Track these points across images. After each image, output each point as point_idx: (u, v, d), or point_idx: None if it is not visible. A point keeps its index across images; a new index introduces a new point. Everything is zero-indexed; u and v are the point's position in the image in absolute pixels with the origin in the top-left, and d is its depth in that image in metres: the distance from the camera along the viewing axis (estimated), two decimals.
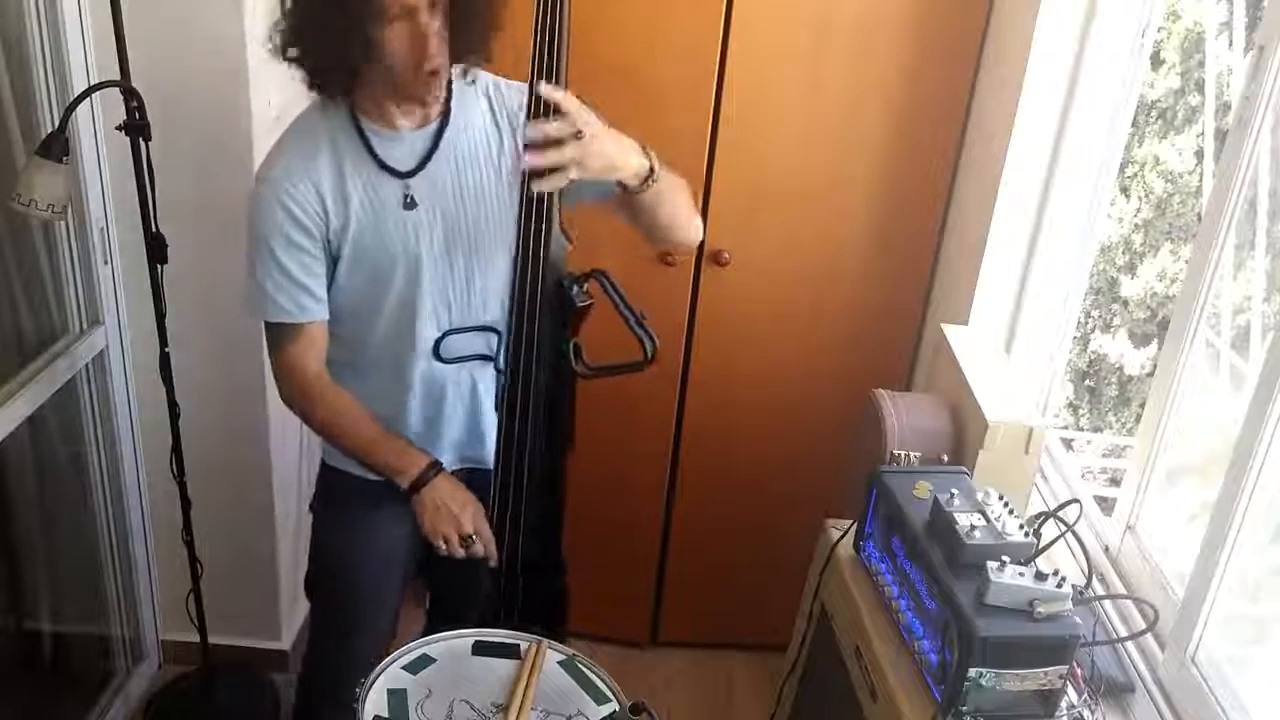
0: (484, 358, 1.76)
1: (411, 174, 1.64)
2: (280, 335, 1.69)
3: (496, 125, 1.68)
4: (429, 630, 1.57)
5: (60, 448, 2.33)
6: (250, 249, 1.65)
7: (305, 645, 2.03)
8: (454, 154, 1.65)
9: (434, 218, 1.65)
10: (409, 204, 1.64)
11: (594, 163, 1.45)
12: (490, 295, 1.72)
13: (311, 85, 1.59)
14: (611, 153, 1.48)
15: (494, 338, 1.75)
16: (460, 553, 1.66)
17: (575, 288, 1.57)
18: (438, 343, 1.70)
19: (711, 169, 2.40)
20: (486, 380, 1.78)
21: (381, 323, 1.70)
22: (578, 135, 1.41)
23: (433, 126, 1.65)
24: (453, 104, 1.65)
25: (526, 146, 1.42)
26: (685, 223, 1.69)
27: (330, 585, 1.94)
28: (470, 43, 1.58)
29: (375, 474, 1.73)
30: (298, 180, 1.60)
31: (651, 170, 1.54)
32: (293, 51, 1.55)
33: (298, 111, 1.69)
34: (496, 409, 1.78)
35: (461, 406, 1.78)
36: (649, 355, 1.57)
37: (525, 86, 1.64)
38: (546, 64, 1.43)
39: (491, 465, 1.78)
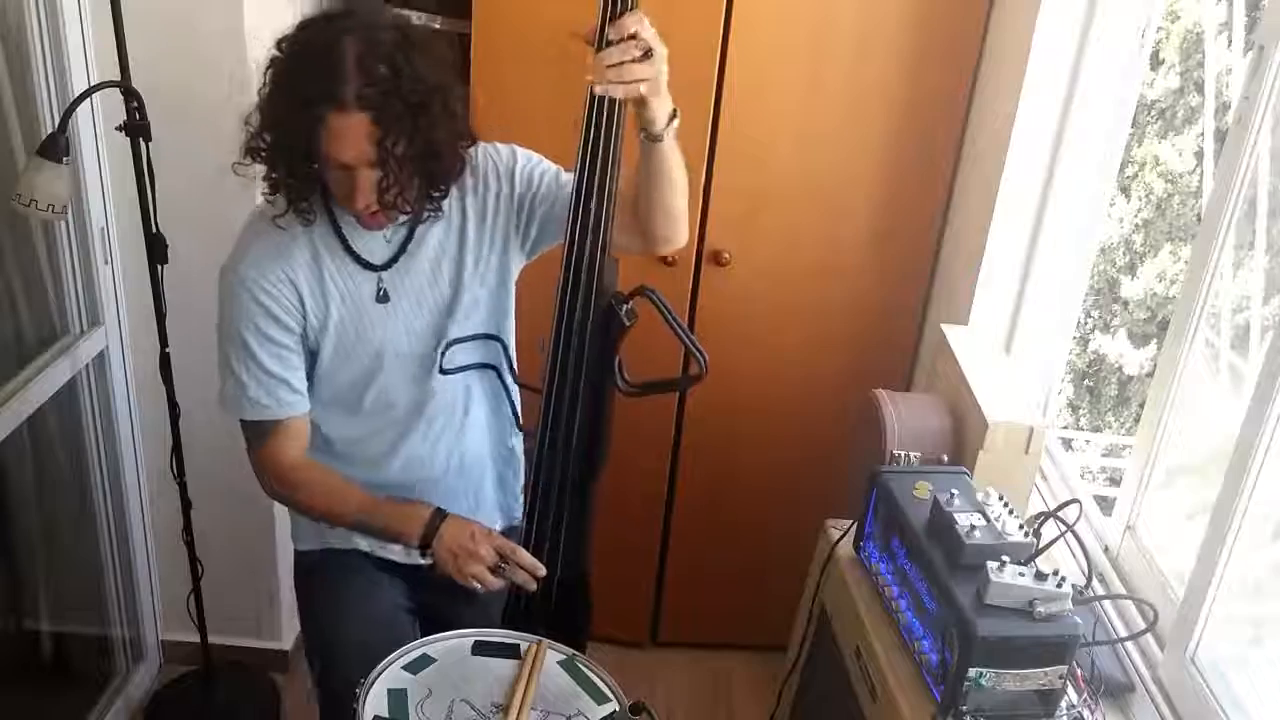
0: (483, 367, 1.70)
1: (385, 267, 1.59)
2: (259, 432, 1.62)
3: (458, 191, 1.61)
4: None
5: (60, 448, 2.33)
6: (222, 343, 1.59)
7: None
8: (430, 241, 1.61)
9: (413, 306, 1.62)
10: (381, 298, 1.60)
11: (661, 84, 1.41)
12: (475, 317, 1.66)
13: (288, 206, 1.52)
14: (665, 79, 1.43)
15: (497, 346, 1.70)
16: (497, 584, 1.58)
17: (624, 306, 1.54)
18: (442, 356, 1.65)
19: (711, 169, 2.40)
20: (472, 449, 1.74)
21: (363, 415, 1.67)
22: (647, 55, 1.38)
23: (406, 217, 1.59)
24: None
25: (600, 68, 1.38)
26: (684, 210, 1.62)
27: (339, 669, 1.71)
28: (433, 189, 1.54)
29: (367, 544, 1.69)
30: (270, 273, 1.54)
31: (674, 111, 1.48)
32: (268, 183, 1.51)
33: None
34: (524, 431, 1.76)
35: (444, 486, 1.73)
36: (703, 371, 1.53)
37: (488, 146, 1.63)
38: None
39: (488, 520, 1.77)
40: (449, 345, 1.65)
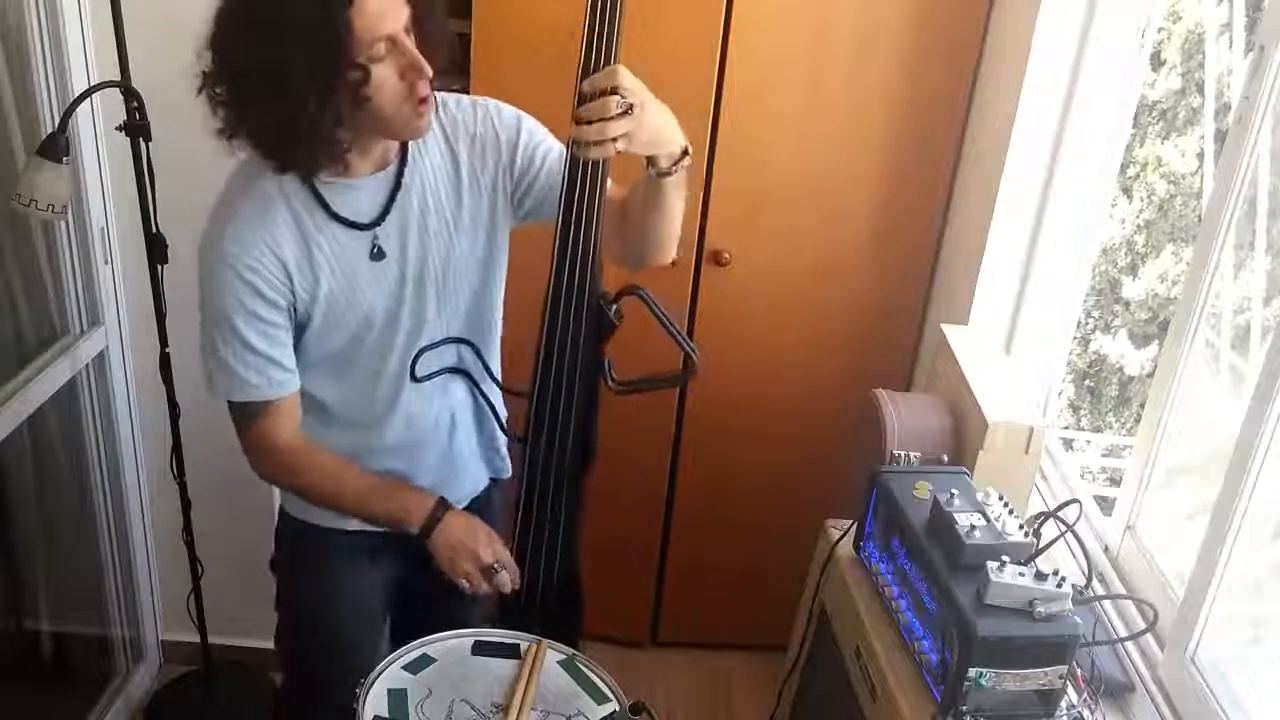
0: (454, 370, 1.67)
1: (376, 223, 1.53)
2: (249, 413, 1.56)
3: (451, 148, 1.58)
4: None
5: (60, 448, 2.33)
6: (207, 325, 1.51)
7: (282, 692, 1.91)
8: (416, 192, 1.55)
9: (404, 262, 1.56)
10: (377, 255, 1.54)
11: (642, 135, 1.36)
12: (464, 311, 1.64)
13: (279, 169, 1.44)
14: (658, 125, 1.38)
15: (466, 350, 1.66)
16: (485, 587, 1.57)
17: (612, 307, 1.52)
18: (412, 364, 1.61)
19: (711, 169, 2.41)
20: (460, 406, 1.70)
21: (353, 376, 1.61)
22: (628, 110, 1.32)
23: (391, 168, 1.54)
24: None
25: (575, 121, 1.34)
26: (672, 239, 1.58)
27: (308, 644, 1.81)
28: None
29: (355, 524, 1.66)
30: (253, 248, 1.46)
31: (685, 150, 1.44)
32: (247, 142, 1.41)
33: None
34: (506, 433, 1.75)
35: (436, 447, 1.70)
36: (694, 366, 1.52)
37: (470, 100, 1.60)
38: (599, 45, 1.38)
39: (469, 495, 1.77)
40: (429, 347, 1.62)
